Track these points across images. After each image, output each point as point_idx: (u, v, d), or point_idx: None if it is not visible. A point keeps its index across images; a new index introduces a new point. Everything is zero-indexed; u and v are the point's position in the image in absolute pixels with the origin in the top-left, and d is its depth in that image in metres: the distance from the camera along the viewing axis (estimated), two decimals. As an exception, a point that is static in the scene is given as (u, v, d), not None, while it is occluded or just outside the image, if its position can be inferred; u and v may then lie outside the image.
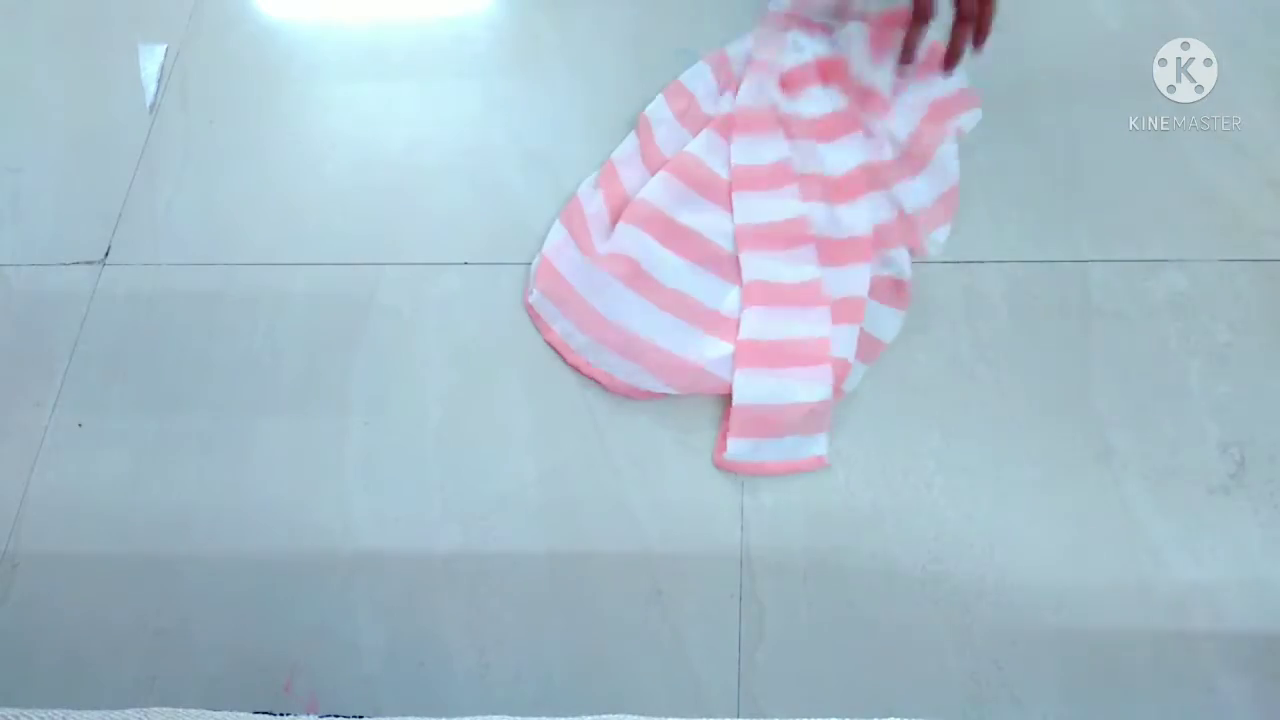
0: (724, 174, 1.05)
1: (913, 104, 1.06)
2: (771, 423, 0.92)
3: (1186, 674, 0.82)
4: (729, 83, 1.12)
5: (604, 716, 0.68)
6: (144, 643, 0.93)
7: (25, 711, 0.68)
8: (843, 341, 0.95)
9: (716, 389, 0.95)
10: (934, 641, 0.85)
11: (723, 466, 0.94)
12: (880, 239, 1.00)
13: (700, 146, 1.06)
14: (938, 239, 1.01)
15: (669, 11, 1.22)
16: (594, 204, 1.06)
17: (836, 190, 1.03)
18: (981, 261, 1.01)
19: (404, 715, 0.73)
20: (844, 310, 0.97)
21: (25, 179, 1.22)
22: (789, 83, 1.09)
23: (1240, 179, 1.02)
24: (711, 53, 1.14)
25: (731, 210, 1.03)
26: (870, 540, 0.90)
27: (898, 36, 1.05)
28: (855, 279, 0.98)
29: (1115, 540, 0.87)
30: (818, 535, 0.91)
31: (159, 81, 1.27)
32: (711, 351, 0.96)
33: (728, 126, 1.07)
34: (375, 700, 0.88)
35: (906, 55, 1.04)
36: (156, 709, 0.68)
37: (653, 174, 1.06)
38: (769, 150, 1.05)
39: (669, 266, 1.00)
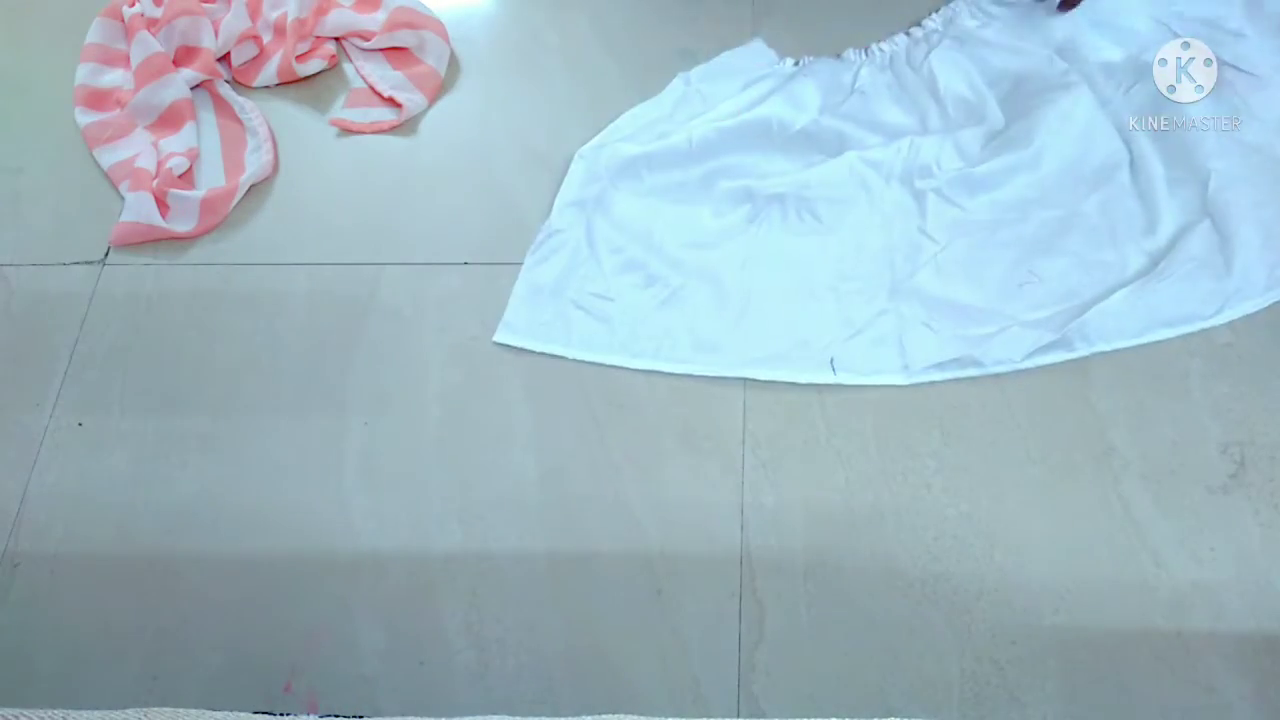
0: None
1: None
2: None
3: (1186, 674, 0.82)
4: None
5: (604, 716, 0.68)
6: (144, 642, 0.93)
7: (25, 711, 0.68)
8: None
9: None
10: (934, 641, 0.85)
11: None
12: None
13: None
14: None
15: (667, 12, 1.22)
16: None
17: None
18: (981, 261, 1.01)
19: (404, 715, 0.73)
20: None
21: (25, 179, 1.22)
22: None
23: (1240, 179, 1.02)
24: None
25: None
26: (870, 540, 0.90)
27: None
28: None
29: (1115, 540, 0.87)
30: (818, 535, 0.91)
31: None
32: None
33: None
34: (375, 700, 0.88)
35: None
36: (156, 709, 0.68)
37: None
38: None
39: None
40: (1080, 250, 0.99)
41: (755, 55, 1.16)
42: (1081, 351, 0.95)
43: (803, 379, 0.97)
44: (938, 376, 0.96)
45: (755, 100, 1.12)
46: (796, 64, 1.15)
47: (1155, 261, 0.96)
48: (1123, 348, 0.94)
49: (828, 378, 0.96)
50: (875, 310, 0.99)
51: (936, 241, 1.01)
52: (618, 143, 1.11)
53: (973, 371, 0.95)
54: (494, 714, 0.73)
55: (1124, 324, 0.95)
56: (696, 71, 1.16)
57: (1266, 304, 0.95)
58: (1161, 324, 0.95)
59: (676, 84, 1.16)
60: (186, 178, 1.18)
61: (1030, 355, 0.94)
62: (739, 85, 1.15)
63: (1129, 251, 0.98)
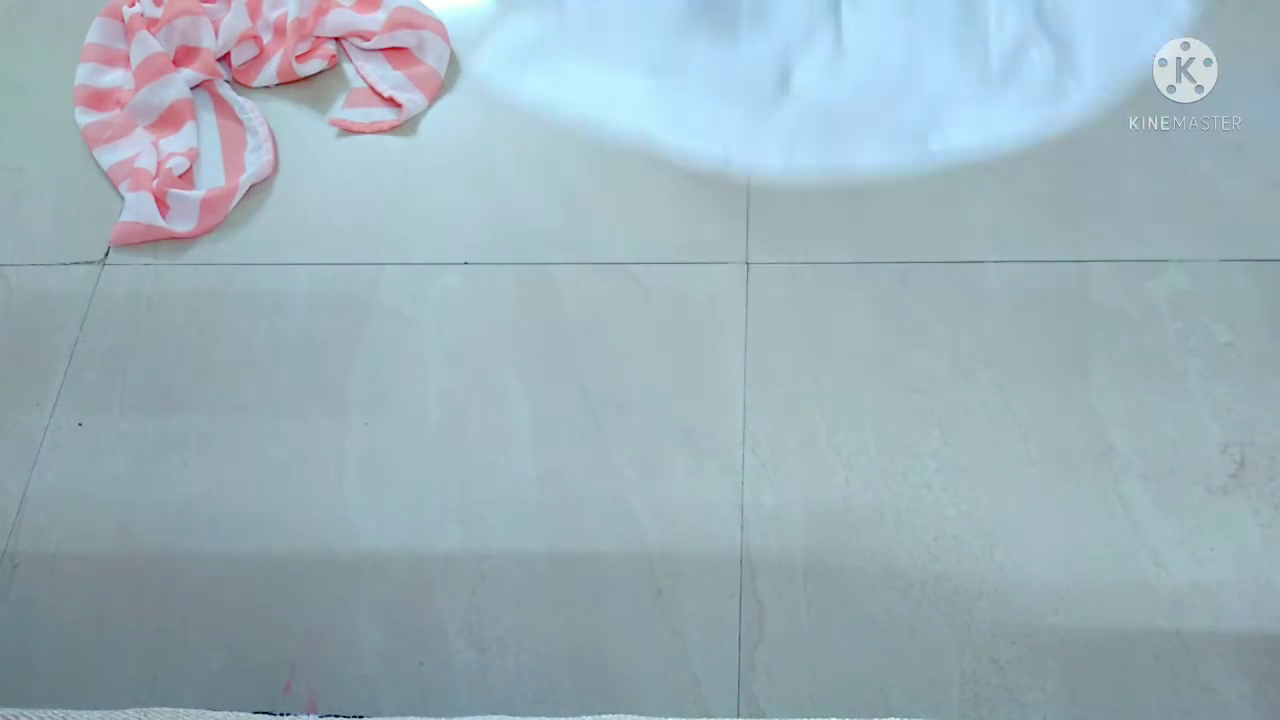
0: None
1: None
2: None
3: (1186, 674, 0.82)
4: None
5: (604, 716, 0.68)
6: (144, 643, 0.93)
7: (25, 711, 0.68)
8: None
9: None
10: (934, 641, 0.85)
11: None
12: None
13: None
14: None
15: (669, 11, 1.22)
16: None
17: None
18: (981, 261, 1.02)
19: (404, 715, 0.73)
20: None
21: (25, 179, 1.22)
22: None
23: (1240, 179, 1.02)
24: None
25: None
26: (870, 540, 0.90)
27: None
28: None
29: (1115, 540, 0.87)
30: (818, 535, 0.91)
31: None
32: None
33: None
34: (375, 700, 0.88)
35: None
36: (156, 709, 0.68)
37: None
38: None
39: None
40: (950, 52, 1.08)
41: None
42: (939, 158, 1.04)
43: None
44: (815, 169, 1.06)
45: None
46: None
47: (1002, 61, 1.06)
48: (980, 159, 1.03)
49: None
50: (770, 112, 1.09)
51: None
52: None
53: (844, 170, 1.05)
54: (494, 714, 0.73)
55: (970, 134, 1.04)
56: None
57: (1106, 103, 1.02)
58: (1009, 139, 1.04)
59: None
60: (186, 178, 1.18)
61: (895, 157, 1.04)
62: None
63: (985, 50, 1.07)
